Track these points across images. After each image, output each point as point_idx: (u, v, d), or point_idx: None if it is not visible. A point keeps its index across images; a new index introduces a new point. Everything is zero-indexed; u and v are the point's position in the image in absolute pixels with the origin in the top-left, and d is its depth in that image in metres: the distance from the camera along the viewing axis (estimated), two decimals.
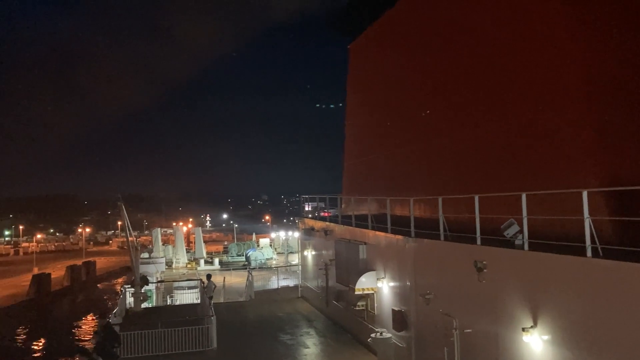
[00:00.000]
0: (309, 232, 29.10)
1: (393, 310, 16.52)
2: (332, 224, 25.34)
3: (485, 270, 11.76)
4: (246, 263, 59.15)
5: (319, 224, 27.65)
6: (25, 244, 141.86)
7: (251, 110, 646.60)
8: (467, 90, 18.26)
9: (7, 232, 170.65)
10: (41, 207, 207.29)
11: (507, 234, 11.86)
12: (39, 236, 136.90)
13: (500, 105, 16.30)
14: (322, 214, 31.31)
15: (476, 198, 12.94)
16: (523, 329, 10.32)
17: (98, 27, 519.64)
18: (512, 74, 15.61)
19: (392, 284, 17.31)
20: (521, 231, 11.34)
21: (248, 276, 35.89)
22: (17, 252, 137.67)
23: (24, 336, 58.32)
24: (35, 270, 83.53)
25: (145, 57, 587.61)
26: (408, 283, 15.98)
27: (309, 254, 29.98)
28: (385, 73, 26.71)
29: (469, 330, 12.68)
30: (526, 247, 11.07)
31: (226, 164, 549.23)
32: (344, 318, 22.32)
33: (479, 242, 12.55)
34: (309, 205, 34.30)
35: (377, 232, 18.60)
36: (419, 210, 19.29)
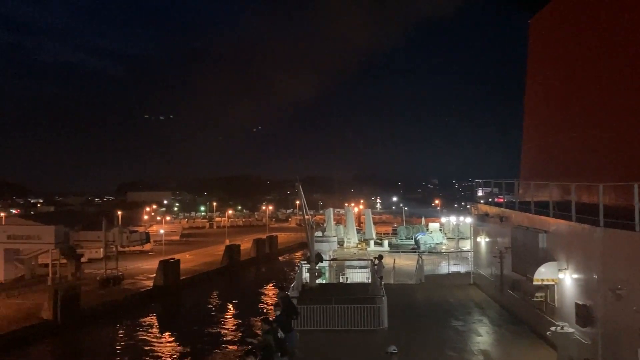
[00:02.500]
0: (482, 217, 28.05)
1: (577, 304, 15.33)
2: (508, 210, 24.09)
3: None
4: (415, 246, 58.94)
5: (493, 210, 26.49)
6: (217, 219, 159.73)
7: (425, 92, 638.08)
8: None
9: (202, 208, 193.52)
10: (230, 186, 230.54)
11: None
12: (230, 212, 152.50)
13: None
14: (496, 199, 29.91)
15: None
16: None
17: (275, 24, 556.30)
18: None
19: (575, 275, 16.01)
20: None
21: (418, 259, 35.86)
22: (211, 226, 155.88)
23: (219, 297, 66.29)
24: (227, 242, 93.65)
25: (315, 48, 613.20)
26: (595, 276, 14.65)
27: (482, 240, 28.93)
28: (572, 49, 24.35)
29: None
30: None
31: (398, 148, 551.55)
32: (519, 308, 21.24)
33: None
34: (482, 190, 32.97)
35: (560, 220, 17.25)
36: (609, 197, 17.41)
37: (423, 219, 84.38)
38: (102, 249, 72.63)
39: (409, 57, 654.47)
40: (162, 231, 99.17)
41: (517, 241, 20.61)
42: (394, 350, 12.96)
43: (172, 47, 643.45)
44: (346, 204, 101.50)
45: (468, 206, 41.42)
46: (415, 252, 47.69)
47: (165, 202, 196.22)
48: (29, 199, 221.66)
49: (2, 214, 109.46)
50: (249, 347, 12.79)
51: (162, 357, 42.28)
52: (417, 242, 61.75)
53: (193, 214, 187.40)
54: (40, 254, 69.43)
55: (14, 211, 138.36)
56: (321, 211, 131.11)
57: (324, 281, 33.68)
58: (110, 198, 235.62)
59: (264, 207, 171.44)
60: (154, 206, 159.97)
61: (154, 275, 65.37)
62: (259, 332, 39.85)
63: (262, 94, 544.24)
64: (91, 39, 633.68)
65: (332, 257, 43.57)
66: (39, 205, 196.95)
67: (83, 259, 71.58)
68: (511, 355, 17.64)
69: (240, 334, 47.22)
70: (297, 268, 30.24)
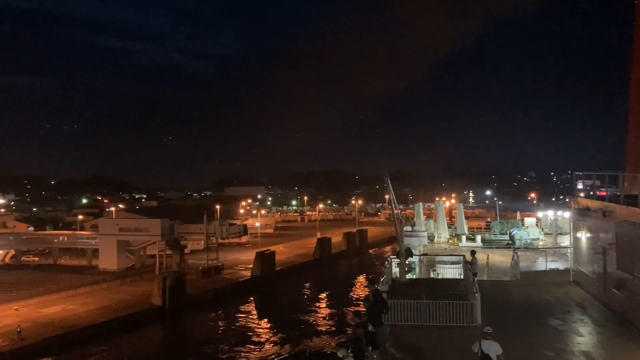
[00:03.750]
0: (582, 212, 26.76)
1: None
2: (611, 204, 22.84)
3: None
4: (510, 242, 56.95)
5: (595, 204, 25.19)
6: (308, 213, 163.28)
7: (520, 83, 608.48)
8: None
9: (293, 202, 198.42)
10: (320, 181, 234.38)
11: None
12: (320, 206, 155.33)
13: None
14: (598, 192, 28.36)
15: None
16: None
17: (361, 19, 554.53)
18: None
19: None
20: None
21: (513, 255, 34.75)
22: (302, 219, 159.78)
23: (312, 288, 68.25)
24: (318, 235, 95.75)
25: (403, 42, 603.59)
26: None
27: (583, 235, 27.57)
28: None
29: None
30: None
31: (491, 140, 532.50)
32: (627, 309, 20.11)
33: None
34: (582, 183, 31.34)
35: None
36: None
37: (518, 214, 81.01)
38: (203, 241, 77.17)
39: (503, 46, 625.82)
40: (258, 224, 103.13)
41: (623, 237, 19.57)
42: (489, 330, 13.01)
43: (262, 46, 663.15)
44: (437, 198, 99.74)
45: (567, 200, 39.39)
46: (510, 248, 46.14)
47: (259, 196, 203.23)
48: (134, 195, 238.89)
49: (113, 209, 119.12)
50: (341, 340, 13.18)
51: (261, 342, 44.49)
52: (512, 237, 59.55)
53: (285, 208, 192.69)
54: (148, 245, 75.12)
55: (121, 206, 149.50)
56: (411, 205, 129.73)
57: (414, 276, 33.57)
58: (208, 193, 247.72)
59: (353, 201, 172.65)
60: (249, 200, 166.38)
61: (251, 265, 68.54)
62: (351, 323, 40.72)
63: (350, 90, 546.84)
64: (185, 41, 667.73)
65: (422, 252, 43.28)
66: (143, 200, 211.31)
67: (186, 250, 76.49)
68: (617, 358, 16.68)
69: (333, 324, 48.53)
70: (386, 262, 30.43)
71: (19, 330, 42.67)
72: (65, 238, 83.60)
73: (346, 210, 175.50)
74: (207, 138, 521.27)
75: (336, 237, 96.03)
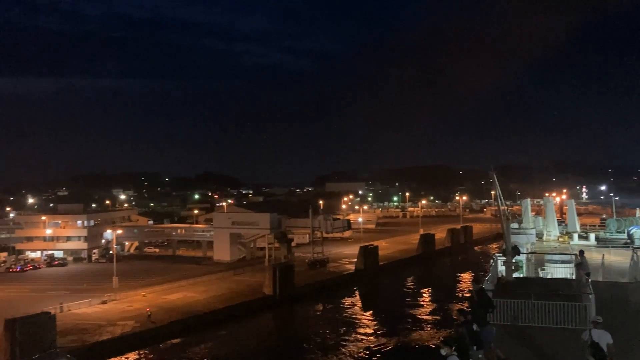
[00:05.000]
0: None
1: None
2: None
3: None
4: (628, 241, 53.50)
5: None
6: (410, 209, 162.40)
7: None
8: None
9: (394, 198, 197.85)
10: (422, 176, 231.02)
11: None
12: (423, 202, 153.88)
13: None
14: None
15: None
16: None
17: (459, 12, 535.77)
18: None
19: None
20: None
21: (633, 255, 33.04)
22: (404, 215, 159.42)
23: (415, 283, 68.75)
24: (421, 231, 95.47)
25: (505, 34, 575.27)
26: None
27: None
28: None
29: None
30: None
31: (607, 132, 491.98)
32: None
33: None
34: None
35: None
36: None
37: (638, 211, 75.51)
38: (308, 235, 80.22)
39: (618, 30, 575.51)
40: (360, 219, 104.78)
41: None
42: (599, 319, 12.96)
43: (364, 42, 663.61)
44: (546, 194, 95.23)
45: None
46: (628, 247, 43.54)
47: (360, 192, 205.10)
48: (241, 190, 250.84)
49: (224, 203, 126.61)
50: (445, 337, 13.43)
51: (366, 333, 46.09)
52: (630, 236, 55.64)
53: (386, 203, 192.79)
54: (258, 238, 79.54)
55: (230, 201, 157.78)
56: (518, 202, 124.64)
57: (521, 275, 32.90)
58: (309, 189, 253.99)
59: (457, 198, 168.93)
60: (350, 196, 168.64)
61: (355, 259, 70.34)
62: (455, 320, 40.70)
63: (453, 84, 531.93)
64: (288, 40, 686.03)
65: (530, 251, 42.16)
66: (249, 195, 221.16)
67: (292, 244, 79.98)
68: None
69: (436, 320, 48.87)
70: (492, 260, 30.11)
71: (149, 314, 47.67)
72: (183, 231, 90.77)
73: (450, 207, 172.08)
74: (308, 135, 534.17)
75: (440, 234, 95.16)
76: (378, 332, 46.54)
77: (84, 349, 39.87)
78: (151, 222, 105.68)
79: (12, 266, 76.01)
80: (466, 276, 71.12)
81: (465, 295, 58.57)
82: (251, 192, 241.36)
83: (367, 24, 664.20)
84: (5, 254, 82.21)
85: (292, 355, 43.21)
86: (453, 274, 75.14)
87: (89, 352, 39.54)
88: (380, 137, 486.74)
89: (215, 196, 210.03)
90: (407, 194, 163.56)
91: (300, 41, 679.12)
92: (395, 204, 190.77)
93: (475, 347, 13.53)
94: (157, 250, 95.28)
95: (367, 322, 50.17)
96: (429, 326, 47.88)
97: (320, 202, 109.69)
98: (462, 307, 45.57)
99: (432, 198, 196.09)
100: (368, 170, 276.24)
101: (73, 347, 39.57)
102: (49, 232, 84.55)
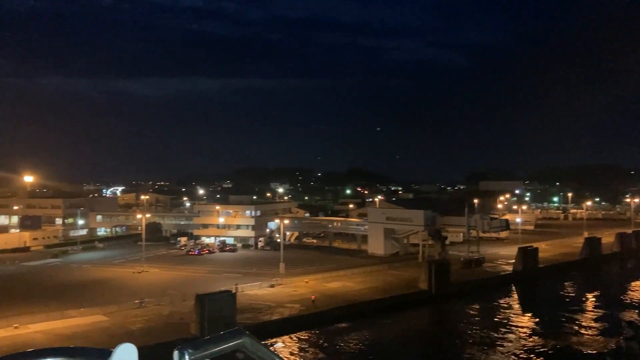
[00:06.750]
0: None
1: None
2: None
3: None
4: None
5: None
6: (573, 210, 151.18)
7: None
8: None
9: (554, 199, 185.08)
10: (585, 176, 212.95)
11: None
12: (588, 203, 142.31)
13: None
14: None
15: None
16: None
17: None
18: None
19: None
20: None
21: None
22: (566, 217, 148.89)
23: (578, 288, 64.86)
24: (586, 234, 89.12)
25: None
26: None
27: None
28: None
29: None
30: None
31: None
32: None
33: None
34: None
35: None
36: None
37: None
38: (462, 234, 79.60)
39: None
40: (518, 220, 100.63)
41: None
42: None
43: (521, 35, 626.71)
44: None
45: None
46: None
47: (516, 191, 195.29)
48: (390, 187, 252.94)
49: (376, 199, 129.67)
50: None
51: (524, 334, 45.33)
52: None
53: (545, 204, 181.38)
54: (411, 234, 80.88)
55: (380, 197, 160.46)
56: None
57: None
58: (461, 187, 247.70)
59: (627, 199, 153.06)
60: (507, 195, 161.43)
61: (512, 260, 68.43)
62: (623, 333, 38.90)
63: (619, 78, 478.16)
64: (442, 34, 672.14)
65: None
66: (399, 192, 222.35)
67: (446, 242, 79.99)
68: None
69: (600, 327, 46.16)
70: None
71: (313, 299, 51.77)
72: (339, 224, 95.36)
73: (619, 209, 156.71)
74: (463, 132, 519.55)
75: (607, 238, 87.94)
76: (535, 333, 45.59)
77: (257, 326, 44.77)
78: (307, 214, 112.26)
79: (192, 250, 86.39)
80: (637, 284, 65.38)
81: (636, 304, 54.42)
82: (400, 188, 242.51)
83: (527, 16, 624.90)
84: (185, 238, 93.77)
85: (449, 348, 44.13)
86: (621, 282, 69.43)
87: (261, 329, 44.39)
88: (539, 134, 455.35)
89: (365, 192, 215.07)
90: (570, 194, 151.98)
91: (452, 35, 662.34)
92: (555, 204, 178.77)
93: None
94: (314, 241, 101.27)
95: (524, 322, 49.21)
96: (590, 332, 45.45)
97: (475, 200, 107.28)
98: (632, 319, 43.11)
99: (597, 199, 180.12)
100: (526, 168, 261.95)
101: (248, 325, 44.70)
102: (221, 220, 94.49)
